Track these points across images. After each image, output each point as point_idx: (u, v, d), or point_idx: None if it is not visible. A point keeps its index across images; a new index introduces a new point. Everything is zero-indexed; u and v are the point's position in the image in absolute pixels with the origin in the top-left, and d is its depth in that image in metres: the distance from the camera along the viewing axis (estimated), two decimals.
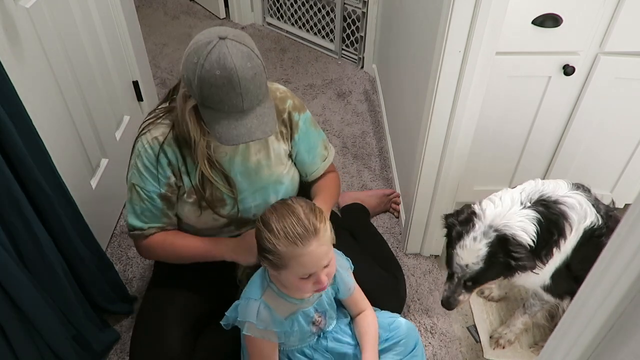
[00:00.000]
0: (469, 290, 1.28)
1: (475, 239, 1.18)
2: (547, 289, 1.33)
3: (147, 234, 1.28)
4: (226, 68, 1.02)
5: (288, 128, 1.32)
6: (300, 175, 1.42)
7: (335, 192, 1.45)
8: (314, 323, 1.23)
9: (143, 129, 1.23)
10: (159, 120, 1.22)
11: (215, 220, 1.31)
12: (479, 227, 1.18)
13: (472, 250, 1.18)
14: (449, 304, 1.29)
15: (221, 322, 1.19)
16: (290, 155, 1.37)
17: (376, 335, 1.28)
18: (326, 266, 1.10)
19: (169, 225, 1.30)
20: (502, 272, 1.21)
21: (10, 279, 1.09)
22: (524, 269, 1.18)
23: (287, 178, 1.35)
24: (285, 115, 1.31)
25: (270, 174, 1.32)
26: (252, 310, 1.14)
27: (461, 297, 1.27)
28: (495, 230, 1.17)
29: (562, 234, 1.20)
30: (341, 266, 1.24)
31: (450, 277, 1.28)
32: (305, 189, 1.46)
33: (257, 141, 1.27)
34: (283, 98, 1.31)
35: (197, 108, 1.11)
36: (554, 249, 1.21)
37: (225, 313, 1.19)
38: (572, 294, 1.29)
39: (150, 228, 1.27)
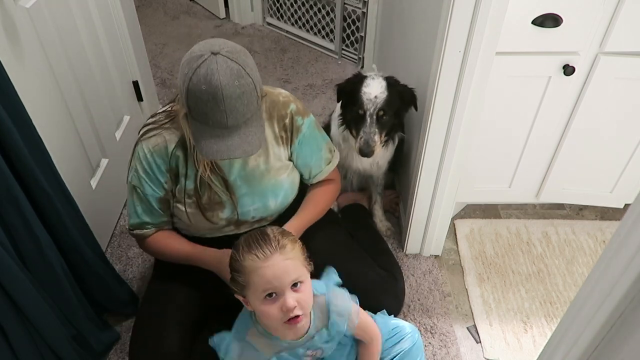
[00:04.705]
0: (381, 127, 1.49)
1: (373, 78, 1.49)
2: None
3: (147, 234, 1.33)
4: (212, 84, 1.03)
5: (288, 133, 1.32)
6: (303, 177, 1.43)
7: (325, 206, 1.45)
8: (307, 355, 1.18)
9: (144, 134, 1.24)
10: (164, 125, 1.24)
11: (214, 223, 1.31)
12: (371, 76, 1.51)
13: (376, 84, 1.47)
14: (368, 145, 1.46)
15: (210, 344, 1.18)
16: (291, 160, 1.37)
17: None
18: (295, 287, 1.03)
19: (166, 225, 1.34)
20: (400, 103, 1.51)
21: (10, 279, 1.09)
22: (414, 100, 1.51)
23: (287, 182, 1.36)
24: (287, 120, 1.31)
25: (270, 178, 1.32)
26: (234, 351, 1.13)
27: (376, 138, 1.48)
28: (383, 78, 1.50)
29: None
30: (339, 313, 1.15)
31: (361, 121, 1.48)
32: (302, 192, 1.46)
33: None
34: (286, 102, 1.31)
35: None
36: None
37: (213, 338, 1.17)
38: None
39: (149, 229, 1.32)
